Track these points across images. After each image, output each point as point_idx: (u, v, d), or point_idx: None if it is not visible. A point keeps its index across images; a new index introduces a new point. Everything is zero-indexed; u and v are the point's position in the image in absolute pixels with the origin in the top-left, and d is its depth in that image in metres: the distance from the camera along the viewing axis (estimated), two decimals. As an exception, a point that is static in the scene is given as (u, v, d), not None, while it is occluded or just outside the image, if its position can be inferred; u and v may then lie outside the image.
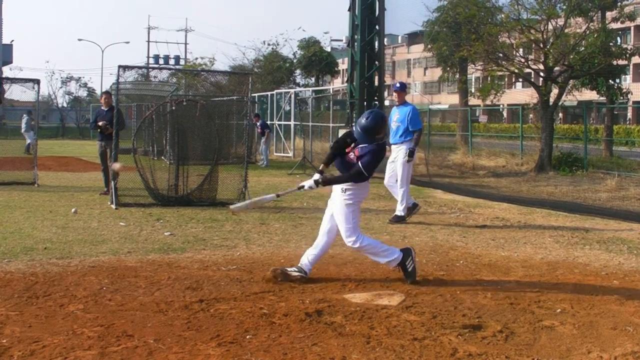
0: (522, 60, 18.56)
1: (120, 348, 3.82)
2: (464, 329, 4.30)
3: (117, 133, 10.38)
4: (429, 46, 27.65)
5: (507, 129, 39.09)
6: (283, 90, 28.05)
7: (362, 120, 5.41)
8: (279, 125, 25.25)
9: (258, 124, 20.50)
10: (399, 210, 9.03)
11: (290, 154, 23.69)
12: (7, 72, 44.99)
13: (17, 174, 13.58)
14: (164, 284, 5.30)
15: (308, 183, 5.53)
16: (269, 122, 25.75)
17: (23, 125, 25.20)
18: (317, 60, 35.52)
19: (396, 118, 9.11)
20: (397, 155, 9.09)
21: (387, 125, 5.67)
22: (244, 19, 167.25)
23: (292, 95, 25.05)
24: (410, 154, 8.93)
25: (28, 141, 24.55)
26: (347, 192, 5.46)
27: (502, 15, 18.62)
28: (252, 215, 9.38)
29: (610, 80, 18.55)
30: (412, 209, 9.08)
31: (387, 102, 31.30)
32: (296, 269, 5.50)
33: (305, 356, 3.77)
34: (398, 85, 9.47)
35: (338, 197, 5.51)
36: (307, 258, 5.56)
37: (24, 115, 25.73)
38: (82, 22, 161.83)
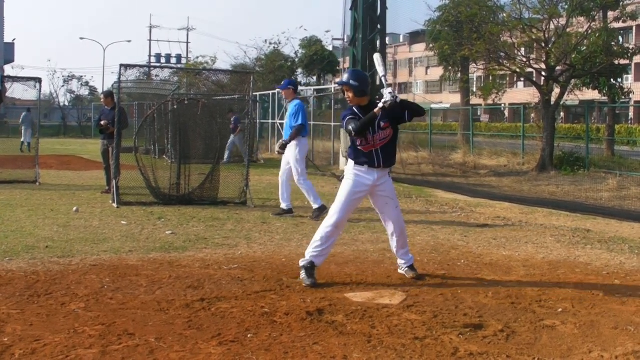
0: (524, 59, 18.53)
1: (121, 347, 3.83)
2: (465, 328, 4.29)
3: (120, 132, 10.39)
4: (431, 45, 27.62)
5: (508, 128, 39.03)
6: (285, 89, 27.98)
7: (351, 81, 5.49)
8: (280, 124, 25.22)
9: (232, 119, 19.85)
10: (314, 203, 9.07)
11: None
12: (9, 70, 45.08)
13: (18, 173, 13.61)
14: (165, 283, 5.31)
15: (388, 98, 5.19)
16: (270, 122, 25.71)
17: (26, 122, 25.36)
18: (318, 59, 35.57)
19: (287, 114, 9.36)
20: (288, 151, 9.22)
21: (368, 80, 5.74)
22: (245, 17, 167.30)
23: (294, 94, 25.01)
24: (282, 146, 9.14)
25: (25, 139, 24.70)
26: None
27: (504, 15, 18.60)
28: (253, 214, 9.39)
29: (612, 80, 18.52)
30: (322, 209, 8.88)
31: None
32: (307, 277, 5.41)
33: (307, 355, 3.77)
34: (283, 83, 9.75)
35: (348, 170, 5.55)
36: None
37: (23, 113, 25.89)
38: (83, 20, 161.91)
